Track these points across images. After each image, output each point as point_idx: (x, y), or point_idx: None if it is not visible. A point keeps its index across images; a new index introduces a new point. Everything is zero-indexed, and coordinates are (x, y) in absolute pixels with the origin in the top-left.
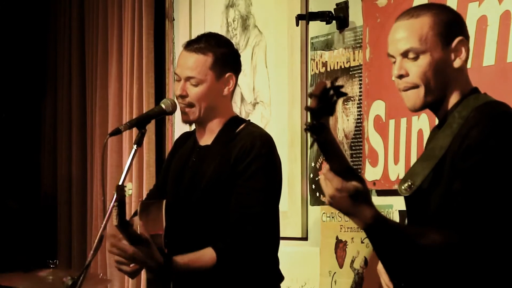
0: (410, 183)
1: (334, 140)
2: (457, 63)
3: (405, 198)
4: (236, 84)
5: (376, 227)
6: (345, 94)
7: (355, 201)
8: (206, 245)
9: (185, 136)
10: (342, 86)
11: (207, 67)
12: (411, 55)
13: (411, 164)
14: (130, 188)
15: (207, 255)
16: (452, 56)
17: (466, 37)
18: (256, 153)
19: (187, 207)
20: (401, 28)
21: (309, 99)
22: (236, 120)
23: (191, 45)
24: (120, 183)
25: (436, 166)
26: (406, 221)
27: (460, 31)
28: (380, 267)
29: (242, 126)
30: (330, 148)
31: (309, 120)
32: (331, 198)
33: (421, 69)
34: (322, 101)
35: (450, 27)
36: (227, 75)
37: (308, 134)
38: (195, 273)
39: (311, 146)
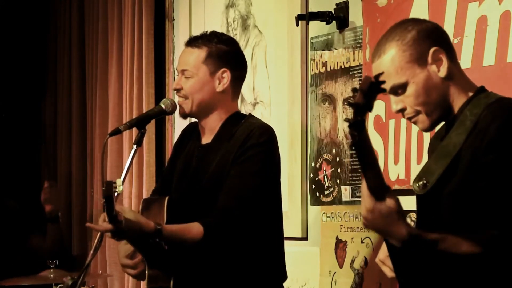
0: (424, 181)
1: (371, 143)
2: (442, 73)
3: (417, 196)
4: (235, 81)
5: (412, 244)
6: (384, 90)
7: (389, 221)
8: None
9: (192, 128)
10: (384, 82)
11: (200, 61)
12: (398, 91)
13: (411, 164)
14: (120, 185)
15: (195, 228)
16: (435, 68)
17: (440, 43)
18: (254, 142)
19: (189, 204)
20: (376, 70)
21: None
22: (236, 117)
23: (189, 42)
24: (114, 180)
25: (450, 164)
26: (416, 219)
27: (431, 42)
28: (381, 257)
29: (242, 121)
30: (368, 151)
31: (350, 116)
32: (365, 220)
33: (413, 98)
34: (367, 97)
35: (419, 46)
36: (221, 70)
37: (346, 132)
38: (182, 245)
39: (351, 147)
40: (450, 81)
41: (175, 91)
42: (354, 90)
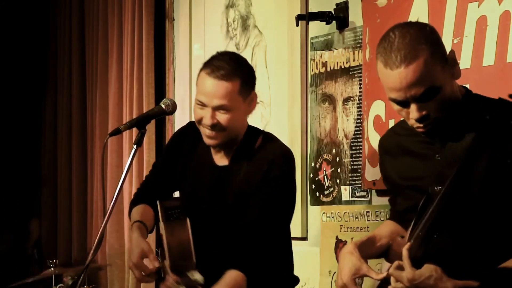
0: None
1: None
2: (457, 75)
3: (425, 197)
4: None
5: None
6: None
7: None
8: (234, 259)
9: (192, 138)
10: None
11: (235, 93)
12: (431, 96)
13: None
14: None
15: (239, 279)
16: (452, 70)
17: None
18: (277, 173)
19: (214, 226)
20: (405, 77)
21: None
22: (251, 134)
23: (214, 72)
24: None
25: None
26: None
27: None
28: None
29: (259, 142)
30: None
31: None
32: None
33: (439, 103)
34: None
35: (443, 47)
36: (251, 94)
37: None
38: None
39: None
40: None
41: (204, 125)
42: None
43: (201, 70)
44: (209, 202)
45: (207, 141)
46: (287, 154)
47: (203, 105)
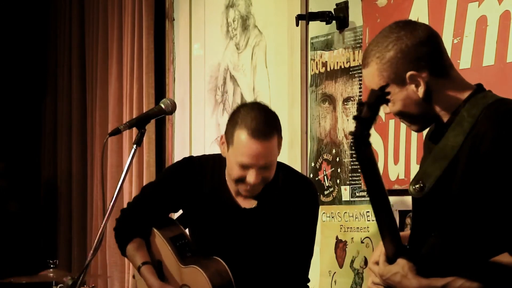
0: (421, 185)
1: (375, 157)
2: (420, 94)
3: (413, 198)
4: None
5: None
6: (389, 100)
7: (398, 279)
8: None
9: (193, 176)
10: (389, 93)
11: (276, 149)
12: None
13: (411, 164)
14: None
15: None
16: (414, 87)
17: (420, 62)
18: (305, 212)
19: (252, 267)
20: (365, 77)
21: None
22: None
23: (255, 133)
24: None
25: (447, 167)
26: (411, 222)
27: (409, 64)
28: (371, 266)
29: (281, 178)
30: (372, 168)
31: (354, 130)
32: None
33: (394, 110)
34: (373, 110)
35: (396, 68)
36: (281, 140)
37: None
38: None
39: (358, 159)
40: (430, 101)
41: (243, 185)
42: (360, 104)
43: (234, 128)
44: (239, 244)
45: (247, 194)
46: (312, 188)
47: (247, 166)
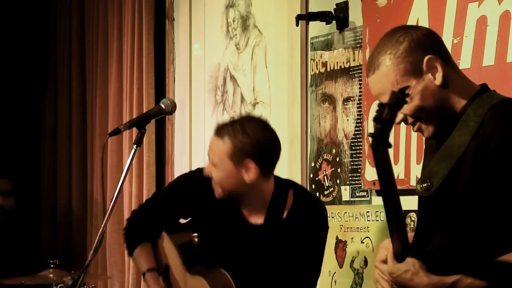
0: (429, 184)
1: (390, 160)
2: (438, 80)
3: (419, 197)
4: (264, 168)
5: None
6: (406, 102)
7: (409, 277)
8: None
9: (204, 186)
10: (408, 95)
11: (223, 154)
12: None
13: (411, 164)
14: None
15: None
16: (430, 77)
17: (433, 50)
18: (314, 234)
19: (259, 282)
20: (372, 84)
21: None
22: (279, 193)
23: (217, 128)
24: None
25: (454, 166)
26: (416, 220)
27: (424, 51)
28: (378, 265)
29: (291, 199)
30: (388, 168)
31: (374, 131)
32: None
33: (411, 108)
34: (394, 111)
35: (412, 57)
36: (245, 162)
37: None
38: None
39: (377, 160)
40: (447, 87)
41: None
42: (380, 105)
43: None
44: (245, 259)
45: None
46: (323, 211)
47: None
